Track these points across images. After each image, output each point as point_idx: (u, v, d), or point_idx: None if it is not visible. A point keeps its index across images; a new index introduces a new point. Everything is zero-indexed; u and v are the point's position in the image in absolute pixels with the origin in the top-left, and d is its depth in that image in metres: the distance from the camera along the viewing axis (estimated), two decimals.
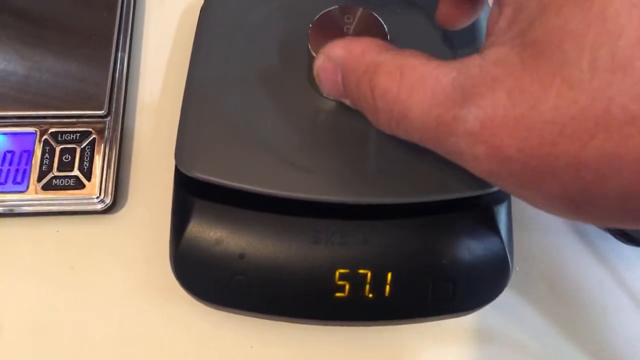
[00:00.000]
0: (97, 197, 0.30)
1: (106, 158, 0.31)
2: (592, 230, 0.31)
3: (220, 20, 0.32)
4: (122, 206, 0.32)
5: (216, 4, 0.32)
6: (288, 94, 0.29)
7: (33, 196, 0.30)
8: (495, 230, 0.27)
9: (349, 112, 0.29)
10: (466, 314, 0.28)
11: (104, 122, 0.32)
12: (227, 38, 0.31)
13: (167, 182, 0.30)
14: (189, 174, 0.27)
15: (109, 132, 0.32)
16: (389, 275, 0.26)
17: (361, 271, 0.26)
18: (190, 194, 0.28)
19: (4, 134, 0.31)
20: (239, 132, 0.28)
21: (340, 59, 0.22)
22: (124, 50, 0.34)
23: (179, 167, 0.28)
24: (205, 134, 0.28)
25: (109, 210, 0.31)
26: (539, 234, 0.31)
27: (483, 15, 0.29)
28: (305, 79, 0.30)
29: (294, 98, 0.29)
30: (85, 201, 0.30)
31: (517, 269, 0.30)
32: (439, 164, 0.27)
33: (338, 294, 0.26)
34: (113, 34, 0.33)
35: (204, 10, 0.33)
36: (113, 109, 0.32)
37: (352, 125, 0.28)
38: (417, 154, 0.28)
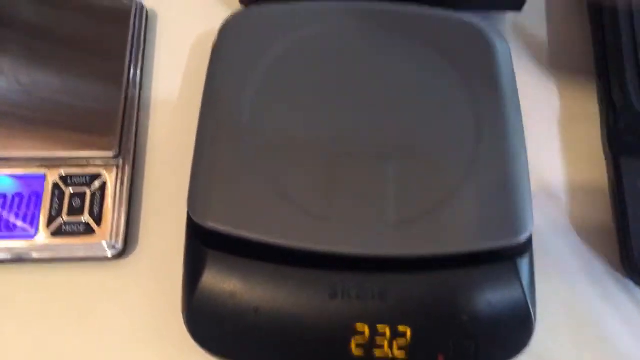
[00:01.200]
0: (107, 244, 0.29)
1: (117, 202, 0.30)
2: (613, 278, 0.30)
3: (232, 58, 0.31)
4: (132, 251, 0.31)
5: (228, 42, 0.32)
6: (304, 140, 0.29)
7: (42, 243, 0.29)
8: (517, 284, 0.26)
9: (366, 160, 0.28)
10: None
11: (115, 163, 0.31)
12: (240, 78, 0.30)
13: (178, 225, 0.29)
14: (203, 224, 0.27)
15: (120, 173, 0.31)
16: (409, 332, 0.25)
17: (380, 327, 0.26)
18: (204, 244, 0.27)
19: (13, 176, 0.31)
20: (254, 180, 0.27)
21: None
22: (134, 88, 0.33)
23: (192, 216, 0.27)
24: (219, 182, 0.28)
25: (119, 256, 0.30)
26: (559, 283, 0.30)
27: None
28: (322, 123, 0.29)
29: (310, 144, 0.28)
30: (95, 247, 0.30)
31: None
32: (459, 216, 0.27)
33: (356, 351, 0.26)
34: (123, 71, 0.33)
35: (216, 49, 0.32)
36: (123, 150, 0.32)
37: (369, 174, 0.28)
38: (436, 206, 0.27)
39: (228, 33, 0.32)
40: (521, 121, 0.30)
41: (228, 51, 0.31)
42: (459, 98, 0.30)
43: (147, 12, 0.36)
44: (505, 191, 0.27)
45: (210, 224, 0.27)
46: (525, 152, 0.29)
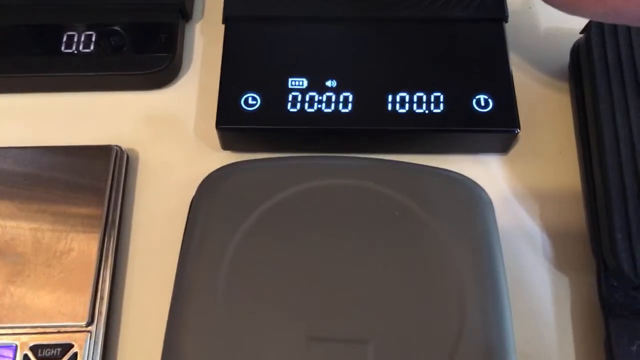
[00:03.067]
0: None
1: None
2: None
3: (209, 222, 0.30)
4: None
5: (206, 203, 0.31)
6: (280, 322, 0.27)
7: None
8: None
9: (345, 346, 0.27)
10: None
11: (87, 333, 0.30)
12: (215, 245, 0.29)
13: None
14: None
15: (92, 342, 0.30)
16: None
17: None
18: None
19: None
20: None
21: None
22: (106, 259, 0.32)
23: None
24: None
25: None
26: None
27: None
28: (299, 300, 0.28)
29: (286, 326, 0.27)
30: None
31: None
32: None
33: None
34: (97, 238, 0.32)
35: (193, 212, 0.31)
36: (96, 318, 0.31)
37: None
38: None
39: (207, 192, 0.31)
40: (506, 287, 0.29)
41: (205, 214, 0.31)
42: (441, 265, 0.29)
43: (127, 156, 0.36)
44: None
45: None
46: (511, 320, 0.28)
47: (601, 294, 0.31)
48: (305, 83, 0.35)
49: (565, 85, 0.38)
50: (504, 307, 0.28)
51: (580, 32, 0.37)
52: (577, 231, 0.34)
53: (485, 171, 0.36)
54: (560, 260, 0.33)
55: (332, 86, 0.34)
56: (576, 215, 0.34)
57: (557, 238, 0.34)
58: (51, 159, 0.34)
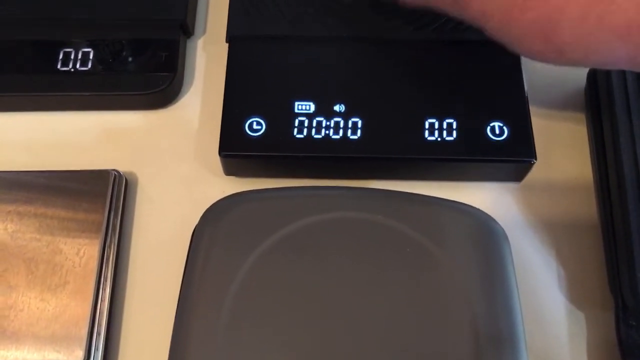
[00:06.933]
0: None
1: None
2: None
3: (213, 254, 0.29)
4: None
5: (209, 234, 0.30)
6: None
7: None
8: None
9: None
10: None
11: None
12: (219, 281, 0.28)
13: None
14: None
15: None
16: None
17: None
18: None
19: None
20: None
21: None
22: (104, 292, 0.31)
23: None
24: None
25: None
26: None
27: None
28: (305, 337, 0.27)
29: None
30: None
31: None
32: None
33: None
34: (94, 269, 0.31)
35: (196, 241, 0.30)
36: (92, 355, 0.29)
37: None
38: None
39: (211, 223, 0.30)
40: (522, 325, 0.28)
41: (209, 246, 0.29)
42: (454, 302, 0.28)
43: (126, 181, 0.34)
44: None
45: None
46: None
47: (619, 333, 0.30)
48: (312, 107, 0.33)
49: (581, 109, 0.37)
50: (519, 345, 0.27)
51: None
52: (593, 265, 0.33)
53: (498, 200, 0.34)
54: (576, 296, 0.32)
55: (340, 111, 0.33)
56: (593, 248, 0.33)
57: (573, 272, 0.33)
58: (45, 185, 0.33)
